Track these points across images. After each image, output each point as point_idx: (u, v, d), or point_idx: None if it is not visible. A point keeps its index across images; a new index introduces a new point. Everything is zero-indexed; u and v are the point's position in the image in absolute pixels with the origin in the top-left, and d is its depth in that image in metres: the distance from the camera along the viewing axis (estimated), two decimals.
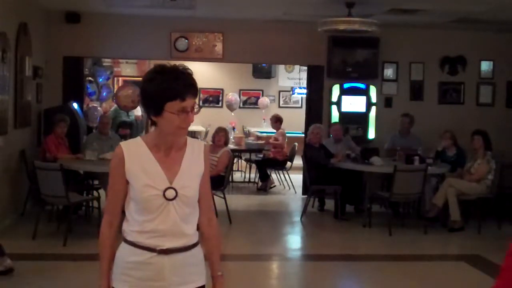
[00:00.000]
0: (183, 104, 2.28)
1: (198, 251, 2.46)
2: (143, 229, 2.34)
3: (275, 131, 11.17)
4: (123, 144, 2.42)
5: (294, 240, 7.84)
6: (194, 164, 2.43)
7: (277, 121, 11.00)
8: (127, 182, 2.37)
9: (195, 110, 2.33)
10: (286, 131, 11.14)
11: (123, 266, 2.36)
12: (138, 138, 2.45)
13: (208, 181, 2.52)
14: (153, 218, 2.33)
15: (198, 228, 2.48)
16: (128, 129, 10.34)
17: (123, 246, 2.39)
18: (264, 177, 10.64)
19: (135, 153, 2.38)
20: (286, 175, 10.71)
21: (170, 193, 2.33)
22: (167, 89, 2.26)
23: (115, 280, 2.39)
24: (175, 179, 2.35)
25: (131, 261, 2.35)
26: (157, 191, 2.32)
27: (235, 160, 10.48)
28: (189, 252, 2.40)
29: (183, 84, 2.29)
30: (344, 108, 9.63)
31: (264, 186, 10.60)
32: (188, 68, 2.36)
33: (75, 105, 8.90)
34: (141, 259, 2.33)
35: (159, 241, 2.33)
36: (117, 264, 2.39)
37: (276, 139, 10.99)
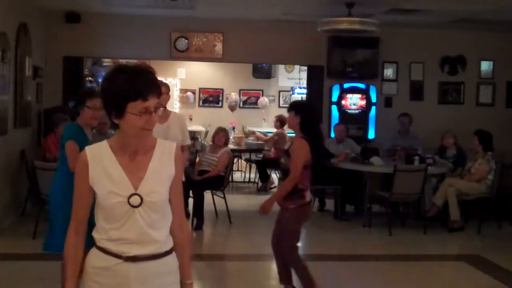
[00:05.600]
0: (146, 104, 2.18)
1: (172, 259, 2.34)
2: (110, 237, 2.24)
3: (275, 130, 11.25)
4: (88, 148, 2.31)
5: None
6: (163, 167, 2.30)
7: (277, 120, 11.05)
8: (92, 189, 2.27)
9: (159, 111, 2.26)
10: (286, 131, 11.13)
11: (91, 271, 2.29)
12: (104, 142, 2.32)
13: (179, 184, 2.38)
14: (119, 226, 2.23)
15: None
16: None
17: (92, 251, 2.30)
18: (264, 178, 10.64)
19: (99, 158, 2.26)
20: None
21: (135, 200, 2.21)
22: (128, 89, 2.16)
23: (85, 287, 2.31)
24: (141, 185, 2.24)
25: (98, 266, 2.27)
26: (121, 198, 2.21)
27: (235, 160, 10.48)
28: (159, 260, 2.28)
29: (145, 83, 2.19)
30: (344, 108, 9.64)
31: (264, 186, 10.60)
32: (151, 67, 2.27)
33: None
34: (107, 265, 2.24)
35: (127, 248, 2.23)
36: (86, 270, 2.30)
37: (265, 136, 11.09)
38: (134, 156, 2.28)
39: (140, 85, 2.18)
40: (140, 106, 2.18)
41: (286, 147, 5.07)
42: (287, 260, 5.01)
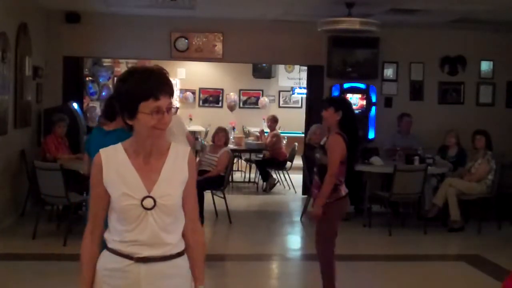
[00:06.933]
0: (158, 103, 2.18)
1: (183, 262, 2.34)
2: (123, 239, 2.26)
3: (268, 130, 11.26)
4: (102, 151, 2.31)
5: (294, 240, 7.84)
6: (176, 171, 2.31)
7: (274, 121, 11.06)
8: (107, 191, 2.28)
9: (172, 111, 2.23)
10: (286, 131, 11.15)
11: (102, 273, 2.29)
12: (118, 145, 2.33)
13: (193, 188, 2.38)
14: (132, 228, 2.24)
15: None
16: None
17: (104, 253, 2.31)
18: (266, 178, 10.63)
19: (113, 161, 2.27)
20: (286, 175, 10.71)
21: (148, 203, 2.23)
22: (140, 88, 2.17)
23: None
24: (154, 187, 2.25)
25: (110, 268, 2.27)
26: (134, 200, 2.23)
27: (235, 160, 10.48)
28: (169, 262, 2.28)
29: (157, 83, 2.19)
30: None
31: (268, 185, 10.57)
32: (163, 69, 2.28)
33: (75, 105, 8.89)
34: (118, 266, 2.25)
35: (138, 249, 2.24)
36: (97, 272, 2.31)
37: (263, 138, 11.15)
38: (148, 159, 2.28)
39: (152, 85, 2.18)
40: (152, 105, 2.17)
41: (322, 142, 4.99)
42: (319, 255, 4.88)
